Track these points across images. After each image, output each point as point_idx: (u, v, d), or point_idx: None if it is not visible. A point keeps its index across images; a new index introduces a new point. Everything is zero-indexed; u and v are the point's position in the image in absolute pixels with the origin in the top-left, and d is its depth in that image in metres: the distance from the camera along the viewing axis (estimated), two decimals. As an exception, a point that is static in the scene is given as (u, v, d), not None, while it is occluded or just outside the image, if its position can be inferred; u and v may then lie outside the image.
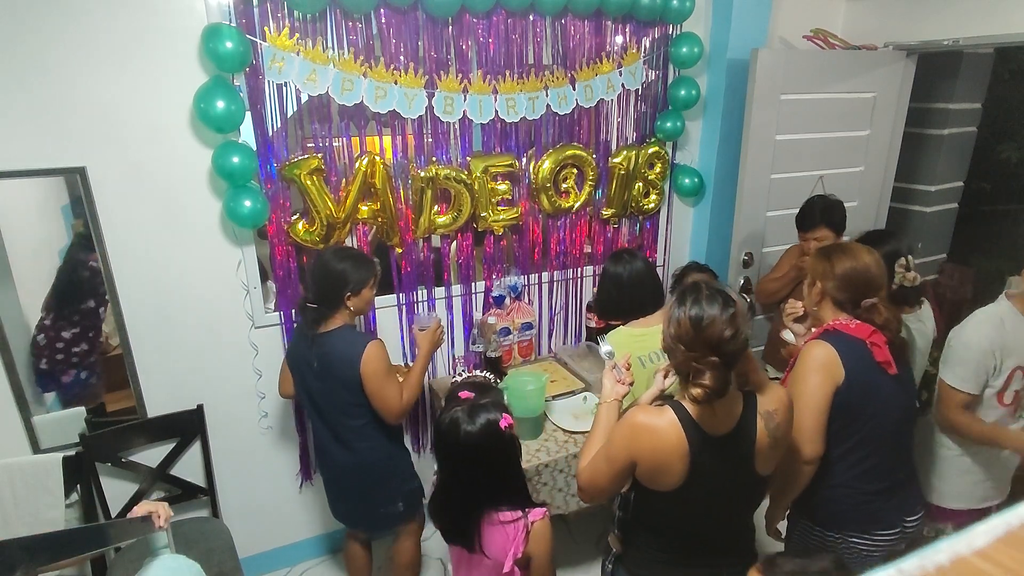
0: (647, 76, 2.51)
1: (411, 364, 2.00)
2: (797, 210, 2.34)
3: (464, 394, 1.38)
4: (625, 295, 1.88)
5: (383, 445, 1.88)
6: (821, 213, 2.23)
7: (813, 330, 1.61)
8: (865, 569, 1.49)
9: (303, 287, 2.14)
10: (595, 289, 2.73)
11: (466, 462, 1.34)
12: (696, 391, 1.13)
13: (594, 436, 1.39)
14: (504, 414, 1.35)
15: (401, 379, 1.85)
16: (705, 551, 1.33)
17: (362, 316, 2.18)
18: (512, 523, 1.34)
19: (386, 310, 2.36)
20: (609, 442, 1.28)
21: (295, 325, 1.94)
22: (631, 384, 1.48)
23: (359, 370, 1.73)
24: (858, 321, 1.51)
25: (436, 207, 2.28)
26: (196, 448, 2.19)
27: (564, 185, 2.51)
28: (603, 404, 1.44)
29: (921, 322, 1.96)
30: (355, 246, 2.17)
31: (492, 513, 1.35)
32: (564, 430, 2.11)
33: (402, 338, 2.42)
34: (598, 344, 1.96)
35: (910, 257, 1.82)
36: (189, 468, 2.19)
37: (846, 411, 1.49)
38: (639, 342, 1.74)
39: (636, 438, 1.22)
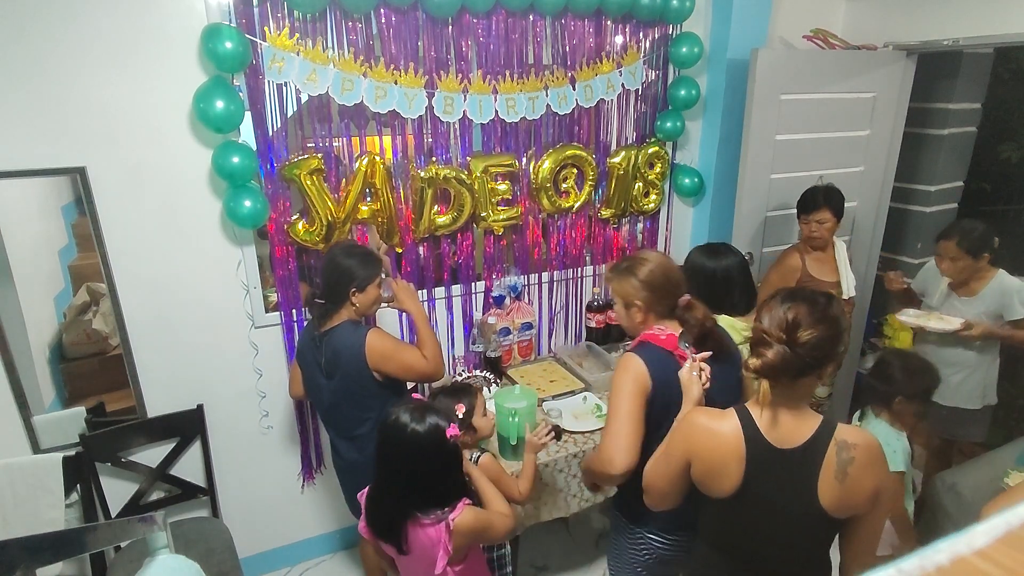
0: (647, 76, 2.51)
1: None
2: (795, 210, 2.34)
3: (415, 396, 1.44)
4: (719, 289, 1.80)
5: None
6: (824, 195, 2.35)
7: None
8: (667, 567, 1.41)
9: (303, 284, 2.15)
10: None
11: (408, 462, 1.34)
12: (754, 361, 1.09)
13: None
14: (452, 423, 1.37)
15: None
16: None
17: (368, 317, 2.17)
18: (433, 525, 1.34)
19: (386, 310, 2.35)
20: (668, 439, 1.26)
21: (305, 324, 1.95)
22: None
23: (366, 361, 1.75)
24: (669, 331, 1.43)
25: (436, 207, 2.27)
26: (196, 448, 2.19)
27: (564, 185, 2.51)
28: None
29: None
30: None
31: (417, 516, 1.36)
32: (564, 430, 2.10)
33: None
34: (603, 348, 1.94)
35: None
36: (189, 468, 2.19)
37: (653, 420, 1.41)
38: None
39: (693, 438, 1.20)
